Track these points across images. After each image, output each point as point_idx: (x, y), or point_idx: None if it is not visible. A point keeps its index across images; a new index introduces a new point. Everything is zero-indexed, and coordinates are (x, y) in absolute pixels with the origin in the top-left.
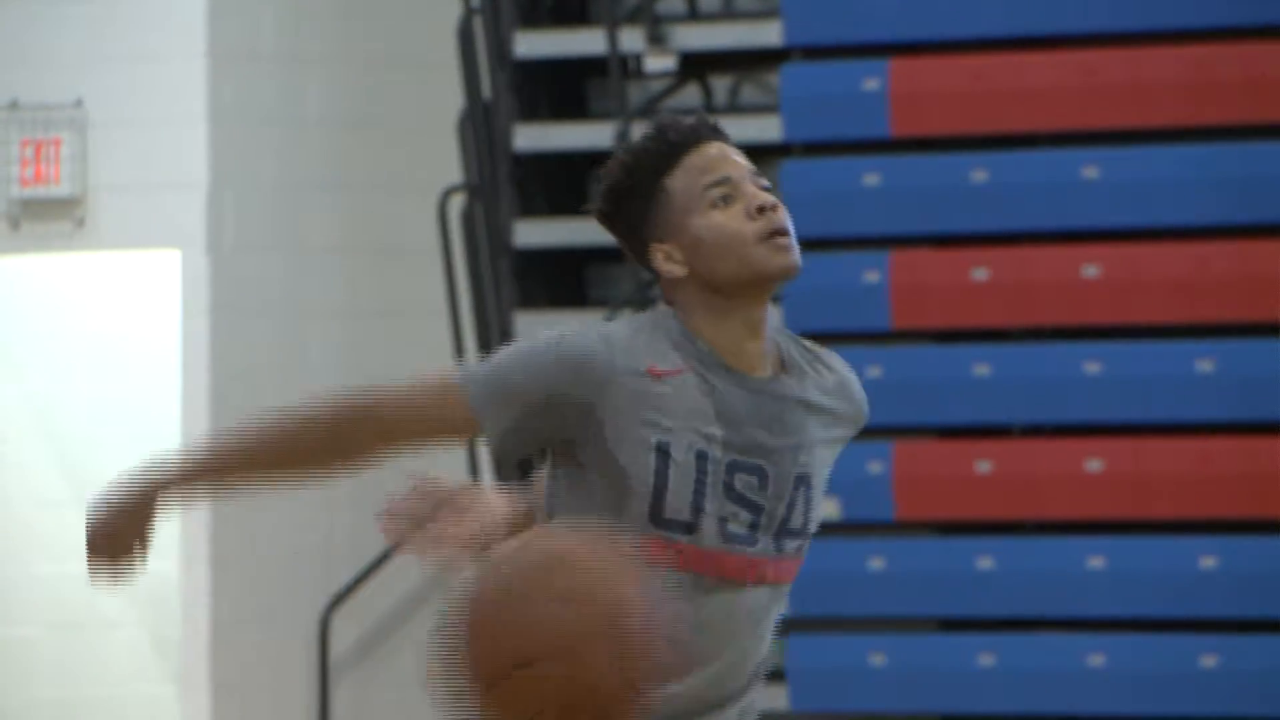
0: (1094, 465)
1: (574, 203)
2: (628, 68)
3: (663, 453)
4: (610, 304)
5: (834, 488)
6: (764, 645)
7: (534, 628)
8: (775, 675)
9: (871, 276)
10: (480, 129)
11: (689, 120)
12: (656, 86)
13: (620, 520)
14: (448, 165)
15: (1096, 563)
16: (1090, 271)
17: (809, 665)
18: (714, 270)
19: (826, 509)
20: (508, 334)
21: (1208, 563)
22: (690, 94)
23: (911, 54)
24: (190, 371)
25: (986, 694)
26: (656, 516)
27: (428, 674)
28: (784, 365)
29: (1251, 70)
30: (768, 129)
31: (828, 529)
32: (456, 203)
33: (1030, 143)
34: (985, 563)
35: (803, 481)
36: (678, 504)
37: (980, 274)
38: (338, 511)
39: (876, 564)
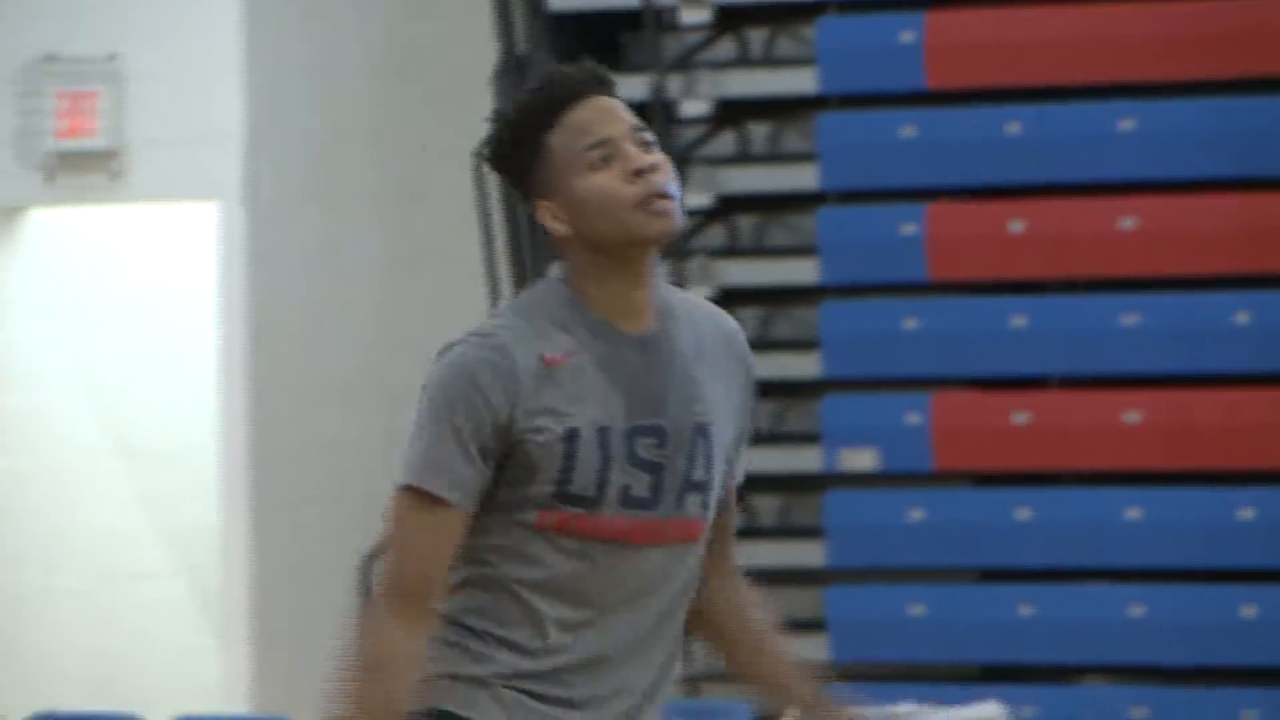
0: (1131, 416)
1: None
2: (663, 20)
3: (570, 439)
4: None
5: (872, 438)
6: (676, 607)
7: None
8: (815, 626)
9: (908, 229)
10: (515, 81)
11: (574, 74)
12: (692, 39)
13: (522, 497)
14: (483, 115)
15: (1134, 514)
16: (1127, 223)
17: (849, 616)
18: (594, 231)
19: (859, 460)
20: None
21: (1246, 513)
22: (726, 46)
23: (947, 6)
24: (228, 323)
25: (1025, 644)
26: (562, 494)
27: None
28: (666, 315)
29: None
30: (804, 81)
31: (866, 480)
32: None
33: (1066, 95)
34: (1023, 513)
35: (701, 432)
36: (583, 481)
37: (1017, 226)
38: (377, 460)
39: (915, 515)
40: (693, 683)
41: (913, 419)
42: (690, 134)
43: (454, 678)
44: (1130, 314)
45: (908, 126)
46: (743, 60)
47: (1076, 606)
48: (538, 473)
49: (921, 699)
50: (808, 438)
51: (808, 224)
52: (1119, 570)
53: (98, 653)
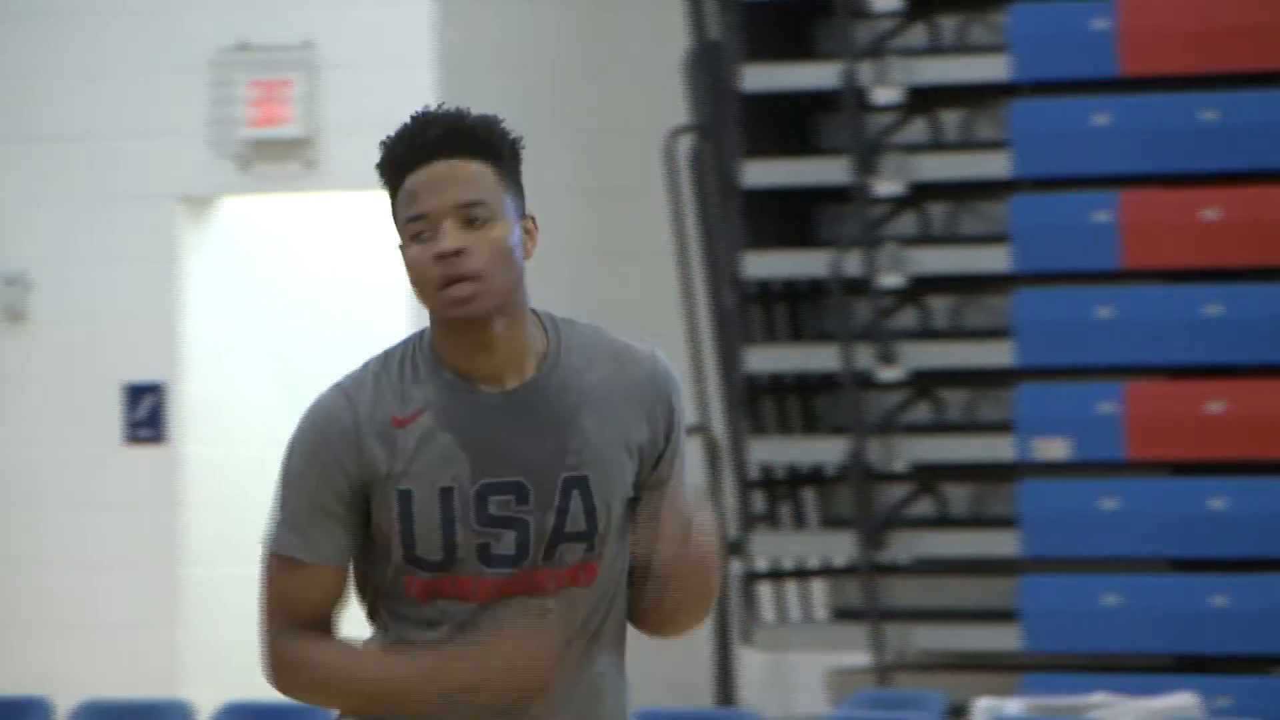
0: None
1: (802, 143)
2: (855, 7)
3: (405, 500)
4: (838, 243)
5: (1065, 427)
6: (578, 641)
7: None
8: (1007, 615)
9: (1101, 216)
10: (708, 69)
11: (421, 136)
12: (884, 26)
13: (384, 565)
14: (676, 106)
15: None
16: None
17: (1041, 606)
18: (419, 299)
19: (1052, 449)
20: (736, 274)
21: None
22: (918, 33)
23: None
24: (419, 312)
25: (1219, 634)
26: (411, 558)
27: None
28: (551, 364)
29: None
30: (996, 68)
31: (1059, 469)
32: (685, 143)
33: (1262, 81)
34: (1217, 503)
35: (575, 484)
36: (427, 544)
37: (1211, 213)
38: None
39: (1108, 504)
40: (884, 672)
41: (1106, 408)
42: (882, 121)
43: None
44: None
45: (1100, 113)
46: (935, 47)
47: (1272, 596)
48: (390, 536)
49: (1114, 689)
50: (1000, 427)
51: (1000, 211)
52: None
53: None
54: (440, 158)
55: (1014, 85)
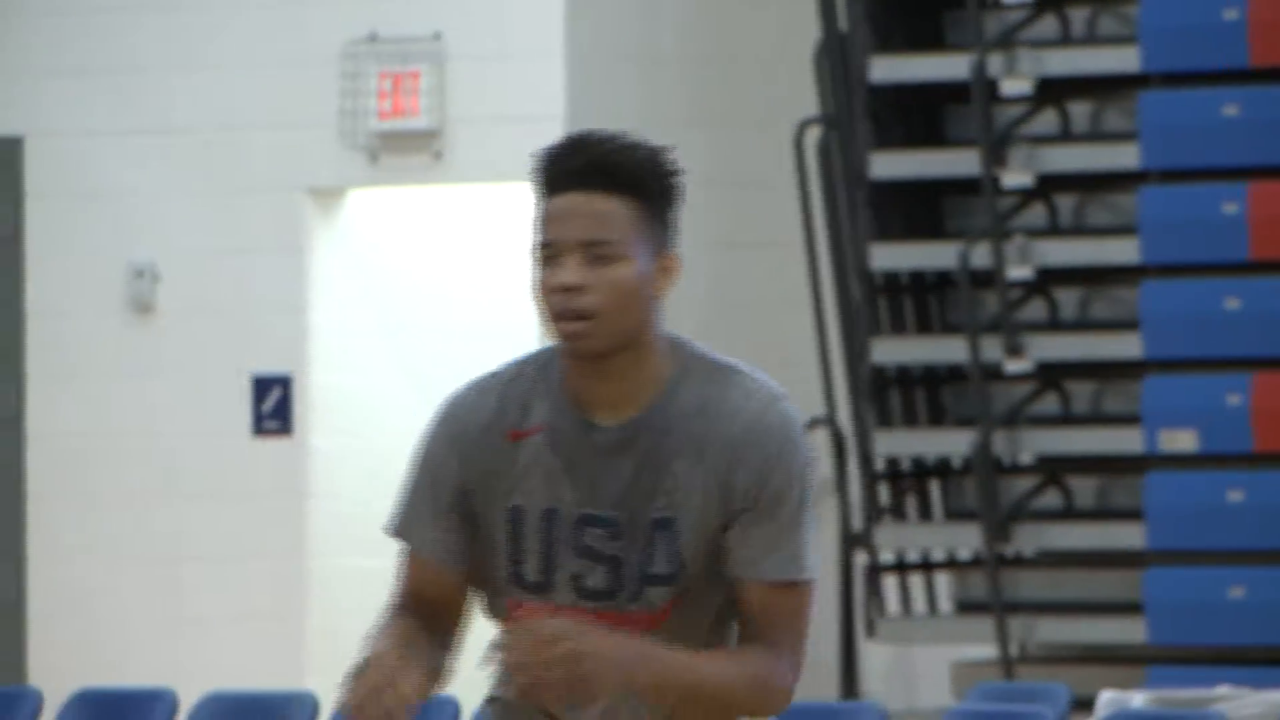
0: None
1: (930, 134)
2: None
3: (516, 515)
4: (966, 235)
5: (1192, 419)
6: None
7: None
8: (1133, 608)
9: (1230, 208)
10: (836, 61)
11: (564, 163)
12: (1014, 17)
13: (488, 582)
14: (804, 97)
15: None
16: None
17: (1167, 598)
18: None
19: (1179, 440)
20: (864, 265)
21: None
22: (1047, 25)
23: None
24: None
25: None
26: (514, 578)
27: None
28: (664, 403)
29: None
30: (1126, 60)
31: (1185, 461)
32: (813, 135)
33: None
34: None
35: (663, 526)
36: (531, 566)
37: None
38: None
39: (1235, 496)
40: (1008, 665)
41: (1233, 400)
42: (1011, 112)
43: None
44: None
45: (1230, 105)
46: (1064, 38)
47: None
48: (496, 552)
49: (1240, 682)
50: (1128, 418)
51: (1128, 203)
52: None
53: None
54: (578, 189)
55: (1144, 76)
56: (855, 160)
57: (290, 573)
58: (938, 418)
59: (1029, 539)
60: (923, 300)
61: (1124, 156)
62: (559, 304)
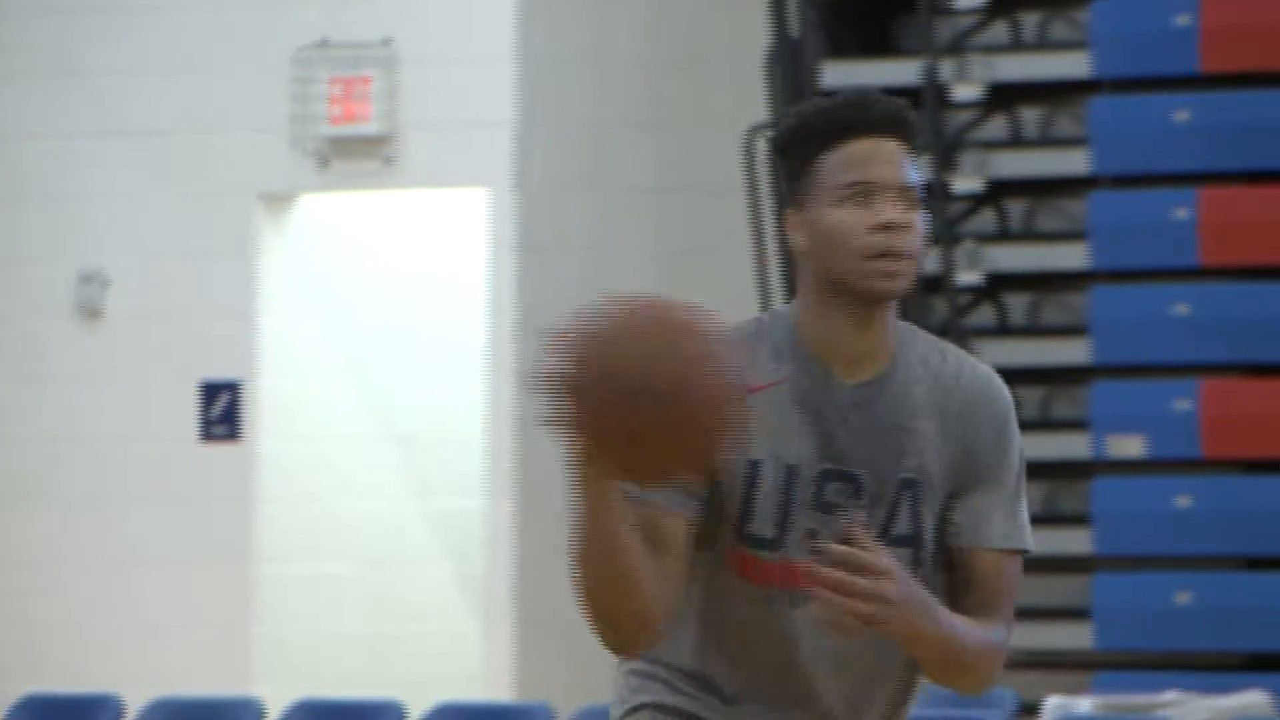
0: None
1: None
2: (936, 4)
3: (752, 470)
4: None
5: (1141, 424)
6: (863, 699)
7: (640, 364)
8: (1081, 613)
9: (1180, 213)
10: (788, 66)
11: (875, 108)
12: (965, 23)
13: (715, 533)
14: (757, 102)
15: None
16: None
17: (1115, 603)
18: (824, 264)
19: (1127, 446)
20: None
21: None
22: (998, 30)
23: None
24: (497, 309)
25: None
26: (743, 532)
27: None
28: (901, 364)
29: None
30: (1076, 65)
31: (1134, 466)
32: (764, 141)
33: None
34: None
35: (909, 486)
36: (763, 520)
37: None
38: None
39: (1183, 502)
40: None
41: (1182, 405)
42: (961, 118)
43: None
44: None
45: (1181, 110)
46: (1015, 44)
47: None
48: (724, 502)
49: (1187, 688)
50: (1076, 424)
51: (1078, 209)
52: None
53: (367, 638)
54: (887, 135)
55: (1095, 82)
56: None
57: (238, 578)
58: None
59: None
60: None
61: (1074, 162)
62: (881, 242)
